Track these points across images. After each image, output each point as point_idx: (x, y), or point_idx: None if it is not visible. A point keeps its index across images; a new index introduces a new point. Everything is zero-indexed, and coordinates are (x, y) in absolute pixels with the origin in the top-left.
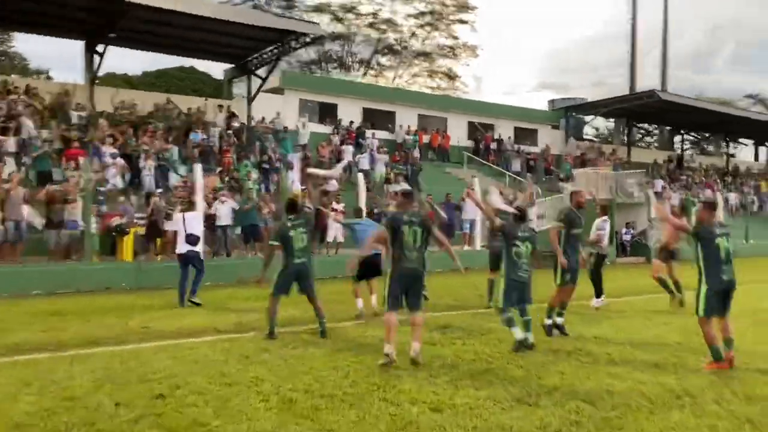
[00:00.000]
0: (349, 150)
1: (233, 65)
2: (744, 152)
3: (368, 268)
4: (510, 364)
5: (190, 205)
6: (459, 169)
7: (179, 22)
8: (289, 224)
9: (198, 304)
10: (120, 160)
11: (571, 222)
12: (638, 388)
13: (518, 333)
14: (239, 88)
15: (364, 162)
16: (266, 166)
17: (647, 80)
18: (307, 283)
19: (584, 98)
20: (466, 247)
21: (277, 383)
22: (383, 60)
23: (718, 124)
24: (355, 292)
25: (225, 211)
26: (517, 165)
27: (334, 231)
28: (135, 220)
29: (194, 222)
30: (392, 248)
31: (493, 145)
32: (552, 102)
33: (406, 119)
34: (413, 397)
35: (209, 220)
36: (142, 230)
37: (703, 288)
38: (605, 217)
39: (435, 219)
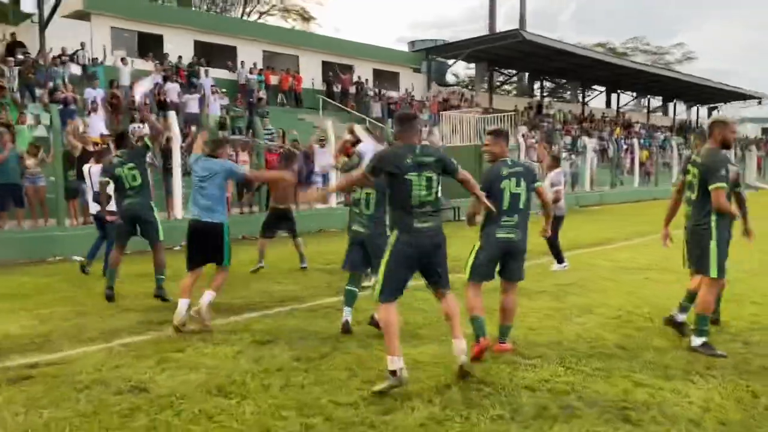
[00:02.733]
0: (174, 89)
1: None
2: (596, 100)
3: (200, 244)
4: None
5: (99, 156)
6: (314, 114)
7: None
8: (116, 161)
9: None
10: None
11: (732, 175)
12: None
13: (346, 313)
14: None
15: (193, 105)
16: (60, 107)
17: None
18: (149, 226)
19: (445, 40)
20: (318, 206)
21: None
22: None
23: (575, 71)
24: (185, 289)
25: None
26: (377, 110)
27: None
28: None
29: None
30: (391, 207)
31: (352, 89)
32: (412, 43)
33: (250, 56)
34: None
35: None
36: None
37: (476, 245)
38: (558, 170)
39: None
